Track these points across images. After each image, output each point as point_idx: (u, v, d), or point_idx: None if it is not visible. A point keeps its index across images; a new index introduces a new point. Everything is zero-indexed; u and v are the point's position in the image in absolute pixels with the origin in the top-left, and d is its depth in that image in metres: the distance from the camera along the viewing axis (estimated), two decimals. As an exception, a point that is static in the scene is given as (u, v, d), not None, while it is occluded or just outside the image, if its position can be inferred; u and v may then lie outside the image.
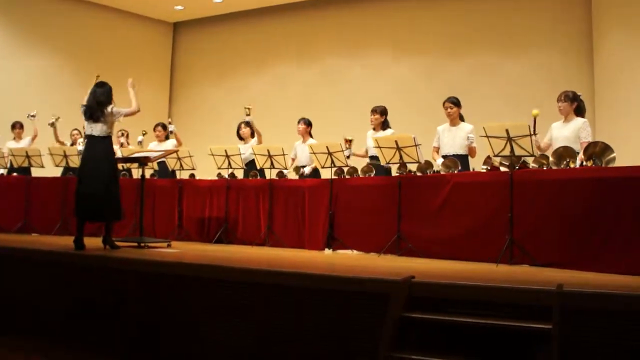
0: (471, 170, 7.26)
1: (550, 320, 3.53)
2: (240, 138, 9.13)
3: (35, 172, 9.90)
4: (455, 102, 7.43)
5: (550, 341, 3.46)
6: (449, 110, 7.43)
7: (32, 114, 10.02)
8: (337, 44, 12.98)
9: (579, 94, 6.68)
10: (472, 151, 7.32)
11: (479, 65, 11.41)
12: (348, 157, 7.73)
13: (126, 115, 6.77)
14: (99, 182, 6.40)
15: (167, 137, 9.76)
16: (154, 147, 9.52)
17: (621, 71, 9.16)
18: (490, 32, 11.32)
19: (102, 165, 6.47)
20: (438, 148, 7.52)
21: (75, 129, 10.21)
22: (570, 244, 5.57)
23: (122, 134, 10.28)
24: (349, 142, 7.81)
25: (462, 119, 7.52)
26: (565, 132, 6.50)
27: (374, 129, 8.02)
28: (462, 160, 7.14)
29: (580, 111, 6.64)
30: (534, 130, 6.06)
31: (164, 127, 9.85)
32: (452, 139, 7.39)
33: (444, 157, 7.31)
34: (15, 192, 9.41)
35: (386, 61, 12.41)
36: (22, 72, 12.68)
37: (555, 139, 6.57)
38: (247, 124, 9.04)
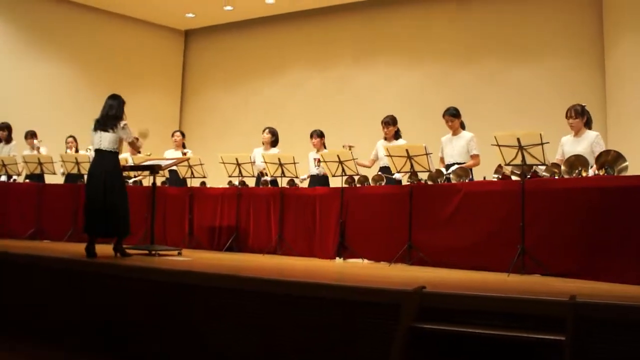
0: (472, 178, 7.22)
1: (563, 331, 3.50)
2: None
3: (48, 179, 9.98)
4: (455, 114, 7.45)
5: (563, 353, 3.43)
6: (449, 123, 7.47)
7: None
8: (348, 51, 13.01)
9: (583, 104, 6.64)
10: (473, 160, 7.32)
11: (489, 72, 11.40)
12: None
13: (130, 142, 6.83)
14: (104, 198, 6.41)
15: (183, 145, 9.77)
16: (171, 155, 9.55)
17: (633, 79, 9.10)
18: (500, 39, 11.31)
19: (108, 180, 6.47)
20: (442, 158, 7.55)
21: (71, 136, 10.27)
22: (582, 253, 5.53)
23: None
24: (349, 148, 7.83)
25: (463, 127, 7.53)
26: (579, 148, 6.42)
27: (385, 139, 8.03)
28: None
29: (589, 123, 6.61)
30: None
31: (183, 134, 9.90)
32: (453, 148, 7.42)
33: (447, 166, 7.35)
34: (28, 198, 9.48)
35: (397, 69, 12.42)
36: (34, 80, 12.77)
37: (568, 154, 6.48)
38: (271, 131, 9.04)
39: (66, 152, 9.99)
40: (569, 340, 3.44)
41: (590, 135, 6.48)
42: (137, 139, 6.91)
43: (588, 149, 6.37)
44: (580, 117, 6.52)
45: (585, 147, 6.40)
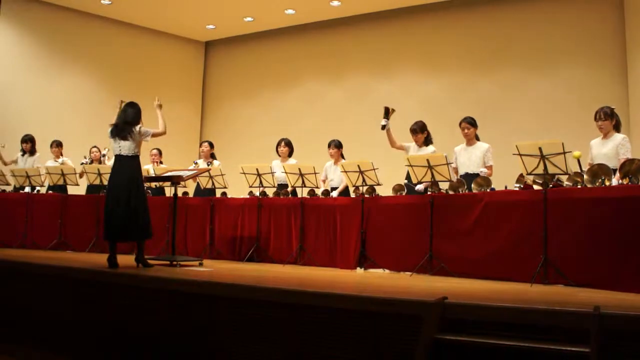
0: (502, 188, 7.18)
1: (588, 343, 3.46)
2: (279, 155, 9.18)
3: (71, 190, 10.08)
4: (472, 123, 7.43)
5: (588, 365, 3.39)
6: (465, 130, 7.44)
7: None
8: (367, 61, 13.01)
9: (612, 106, 6.57)
10: (488, 171, 7.29)
11: (508, 81, 11.34)
12: (383, 127, 7.74)
13: (153, 135, 6.86)
14: (126, 202, 6.47)
15: (212, 156, 9.76)
16: (200, 165, 9.55)
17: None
18: (520, 48, 11.25)
19: (130, 184, 6.54)
20: (456, 168, 7.49)
21: (95, 147, 10.37)
22: (606, 263, 5.46)
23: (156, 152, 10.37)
24: (390, 111, 7.76)
25: (477, 138, 7.50)
26: (604, 150, 6.40)
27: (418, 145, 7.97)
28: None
29: (618, 126, 6.53)
30: (580, 170, 6.06)
31: (211, 144, 9.85)
32: (469, 158, 7.40)
33: (461, 176, 7.31)
34: (51, 209, 9.57)
35: (416, 78, 12.40)
36: (56, 91, 12.92)
37: (595, 157, 6.46)
38: (287, 143, 9.05)
39: (91, 162, 10.08)
40: (594, 352, 3.40)
41: (617, 137, 6.41)
42: (159, 133, 6.98)
43: (613, 150, 6.32)
44: (610, 120, 6.44)
45: (610, 149, 6.35)
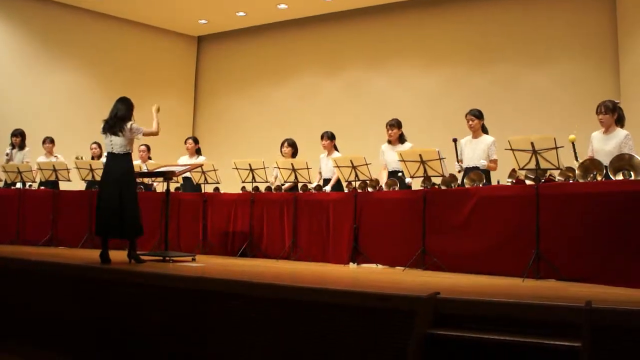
0: (494, 183, 7.19)
1: (579, 337, 3.47)
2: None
3: (63, 186, 10.03)
4: (477, 115, 7.37)
5: (579, 359, 3.40)
6: (470, 122, 7.39)
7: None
8: (362, 55, 13.00)
9: (616, 100, 6.49)
10: (491, 164, 7.27)
11: (503, 76, 11.35)
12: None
13: (145, 134, 6.83)
14: (117, 200, 6.46)
15: (197, 152, 9.79)
16: (185, 161, 9.56)
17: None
18: (515, 42, 11.26)
19: (122, 182, 6.53)
20: (462, 160, 7.47)
21: (95, 142, 10.34)
22: (598, 258, 5.48)
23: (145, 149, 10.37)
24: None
25: (485, 131, 7.46)
26: (608, 147, 6.22)
27: (389, 142, 7.99)
28: (483, 172, 7.06)
29: (620, 120, 6.36)
30: (575, 157, 6.01)
31: (195, 140, 9.90)
32: (473, 151, 7.34)
33: (466, 169, 7.29)
34: (43, 205, 9.52)
35: (411, 72, 12.39)
36: (48, 87, 12.85)
37: (597, 152, 6.31)
38: (290, 143, 8.97)
39: (91, 159, 10.10)
40: (585, 346, 3.41)
41: (620, 133, 6.24)
42: (151, 133, 6.94)
43: (617, 148, 6.15)
44: (611, 114, 6.27)
45: (613, 147, 6.18)
